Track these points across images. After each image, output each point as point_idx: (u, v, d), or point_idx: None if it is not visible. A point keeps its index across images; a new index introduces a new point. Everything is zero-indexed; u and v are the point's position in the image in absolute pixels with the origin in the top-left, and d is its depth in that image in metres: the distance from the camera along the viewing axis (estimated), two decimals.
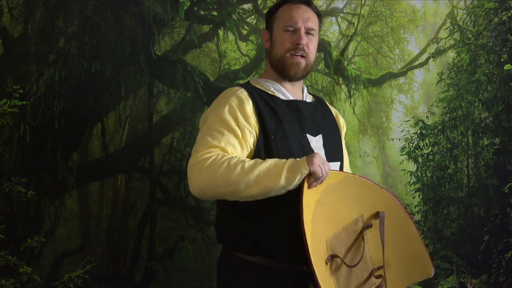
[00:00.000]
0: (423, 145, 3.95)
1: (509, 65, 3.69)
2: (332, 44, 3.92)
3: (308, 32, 1.84)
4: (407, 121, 3.99)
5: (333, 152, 1.88)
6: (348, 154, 2.12)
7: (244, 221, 1.73)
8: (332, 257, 1.65)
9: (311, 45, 1.84)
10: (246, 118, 1.72)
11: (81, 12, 3.48)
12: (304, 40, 1.81)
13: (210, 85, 3.67)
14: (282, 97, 1.83)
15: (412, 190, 3.93)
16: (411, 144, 3.96)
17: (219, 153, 1.65)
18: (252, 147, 1.73)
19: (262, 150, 1.73)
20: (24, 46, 3.45)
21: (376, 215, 1.69)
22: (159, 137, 3.64)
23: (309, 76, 4.06)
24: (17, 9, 3.50)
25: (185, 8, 3.63)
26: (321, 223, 1.60)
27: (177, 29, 3.68)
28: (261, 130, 1.73)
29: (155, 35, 3.57)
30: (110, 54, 3.47)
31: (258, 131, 1.73)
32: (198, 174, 1.64)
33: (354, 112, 3.97)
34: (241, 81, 3.27)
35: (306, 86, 2.01)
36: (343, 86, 3.89)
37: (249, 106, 1.74)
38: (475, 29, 3.90)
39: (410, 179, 3.94)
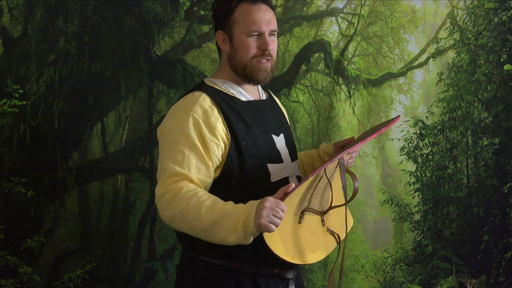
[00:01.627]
0: (423, 145, 3.95)
1: (509, 65, 3.69)
2: (332, 44, 3.92)
3: (271, 34, 1.75)
4: (406, 121, 3.99)
5: (294, 150, 1.85)
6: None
7: None
8: (302, 213, 1.67)
9: (274, 47, 1.76)
10: (212, 131, 1.65)
11: (81, 12, 3.48)
12: (270, 44, 1.73)
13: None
14: (243, 99, 1.77)
15: (412, 190, 3.93)
16: (410, 144, 3.96)
17: (181, 187, 1.59)
18: (220, 160, 1.67)
19: (234, 157, 1.67)
20: (24, 46, 3.45)
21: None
22: None
23: (309, 76, 4.08)
24: (17, 9, 3.50)
25: (185, 8, 3.63)
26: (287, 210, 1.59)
27: (177, 29, 3.69)
28: (232, 138, 1.67)
29: (155, 35, 3.58)
30: (110, 54, 3.47)
31: (229, 139, 1.67)
32: (163, 208, 1.61)
33: (354, 112, 3.97)
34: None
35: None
36: (343, 86, 3.90)
37: (214, 116, 1.67)
38: (475, 29, 3.91)
39: (410, 179, 3.94)
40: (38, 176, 3.40)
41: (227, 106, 1.71)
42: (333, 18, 4.00)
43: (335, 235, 1.79)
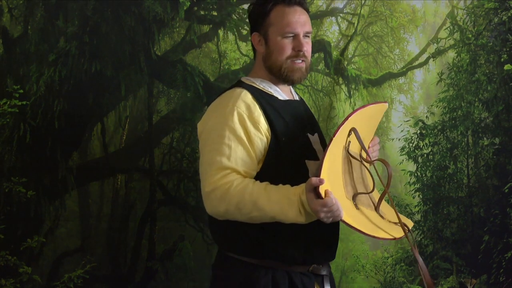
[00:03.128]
0: (423, 145, 3.95)
1: (509, 65, 3.69)
2: (332, 44, 3.92)
3: (305, 35, 1.80)
4: (407, 121, 3.99)
5: None
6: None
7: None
8: (354, 199, 1.69)
9: (309, 48, 1.81)
10: (255, 125, 1.70)
11: (81, 12, 3.48)
12: (305, 46, 1.78)
13: (210, 85, 3.67)
14: (280, 97, 1.82)
15: (412, 190, 3.93)
16: (411, 144, 3.96)
17: (232, 181, 1.63)
18: (262, 153, 1.71)
19: (274, 152, 1.71)
20: (24, 46, 3.46)
21: (349, 133, 1.70)
22: (159, 137, 3.64)
23: (309, 76, 4.08)
24: (17, 9, 3.50)
25: (185, 8, 3.63)
26: (338, 195, 1.60)
27: (177, 29, 3.69)
28: (272, 134, 1.71)
29: (155, 35, 3.58)
30: (110, 54, 3.48)
31: (270, 134, 1.71)
32: (214, 204, 1.64)
33: None
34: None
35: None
36: (343, 86, 3.90)
37: (257, 111, 1.71)
38: (475, 29, 3.91)
39: (410, 179, 3.94)
40: (38, 176, 3.40)
41: (267, 103, 1.75)
42: (333, 18, 4.00)
43: (398, 224, 1.76)
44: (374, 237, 1.63)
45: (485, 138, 3.84)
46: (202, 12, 3.73)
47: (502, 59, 3.76)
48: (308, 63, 1.82)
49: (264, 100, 1.76)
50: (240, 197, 1.60)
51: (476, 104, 3.87)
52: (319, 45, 3.88)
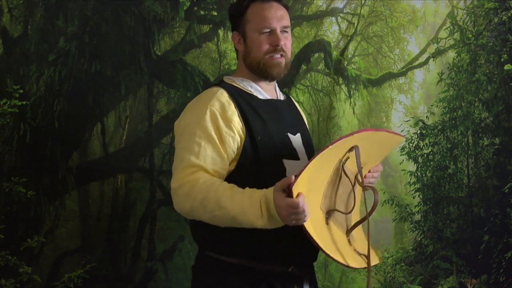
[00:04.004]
0: (423, 145, 3.95)
1: (509, 65, 3.69)
2: (332, 44, 3.92)
3: (283, 30, 1.79)
4: (407, 121, 3.99)
5: (311, 150, 1.87)
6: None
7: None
8: (329, 214, 1.65)
9: (287, 43, 1.80)
10: (228, 124, 1.69)
11: (81, 12, 3.48)
12: (282, 40, 1.77)
13: (210, 85, 3.66)
14: (260, 96, 1.81)
15: (412, 190, 3.93)
16: (411, 144, 3.96)
17: (198, 178, 1.62)
18: (235, 153, 1.70)
19: (249, 151, 1.70)
20: (24, 46, 3.45)
21: (351, 149, 1.65)
22: (159, 137, 3.64)
23: (308, 76, 4.08)
24: (17, 9, 3.50)
25: (185, 8, 3.63)
26: (312, 202, 1.57)
27: (177, 29, 3.69)
28: (248, 132, 1.70)
29: (155, 35, 3.58)
30: (110, 54, 3.48)
31: (244, 133, 1.70)
32: (180, 201, 1.64)
33: (354, 112, 3.97)
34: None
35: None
36: (343, 86, 3.89)
37: (231, 110, 1.71)
38: (475, 29, 3.91)
39: (410, 179, 3.94)
40: (38, 176, 3.40)
41: (244, 102, 1.75)
42: (333, 18, 4.00)
43: (362, 256, 1.74)
44: (327, 255, 1.59)
45: (485, 138, 3.84)
46: (202, 12, 3.73)
47: (502, 59, 3.76)
48: (289, 58, 1.81)
49: (242, 99, 1.75)
50: (205, 194, 1.59)
51: (476, 104, 3.87)
52: (319, 45, 3.88)
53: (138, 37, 3.53)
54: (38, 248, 3.40)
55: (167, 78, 3.61)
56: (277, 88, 1.92)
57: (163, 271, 3.53)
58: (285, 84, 3.74)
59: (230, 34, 3.87)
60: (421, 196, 3.92)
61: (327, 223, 1.65)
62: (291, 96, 2.03)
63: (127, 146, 3.61)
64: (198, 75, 3.64)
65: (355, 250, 1.73)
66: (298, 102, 2.07)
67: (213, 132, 1.68)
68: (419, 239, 3.89)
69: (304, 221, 1.49)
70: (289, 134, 1.80)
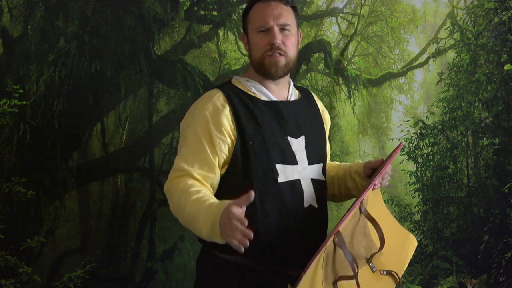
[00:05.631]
0: (423, 145, 3.95)
1: (509, 65, 3.69)
2: (332, 44, 3.92)
3: (282, 28, 1.78)
4: (407, 121, 3.99)
5: (315, 154, 1.84)
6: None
7: None
8: (335, 283, 1.62)
9: (287, 42, 1.78)
10: (218, 128, 1.70)
11: (81, 12, 3.48)
12: (278, 38, 1.76)
13: (210, 85, 3.67)
14: (263, 98, 1.80)
15: (412, 190, 3.93)
16: (411, 144, 3.96)
17: (179, 183, 1.69)
18: (227, 155, 1.72)
19: (239, 155, 1.71)
20: (24, 46, 3.45)
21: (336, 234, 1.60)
22: (159, 137, 3.64)
23: (308, 76, 4.07)
24: (17, 9, 3.50)
25: (185, 8, 3.63)
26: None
27: (177, 29, 3.69)
28: (239, 136, 1.71)
29: (155, 35, 3.58)
30: (110, 54, 3.48)
31: (236, 137, 1.71)
32: (169, 202, 1.77)
33: (354, 112, 3.97)
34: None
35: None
36: (343, 86, 3.89)
37: (224, 114, 1.72)
38: (475, 29, 3.91)
39: (410, 179, 3.94)
40: (38, 176, 3.40)
41: (242, 105, 1.75)
42: (333, 18, 4.00)
43: (393, 273, 1.72)
44: None
45: (485, 138, 3.84)
46: (202, 12, 3.72)
47: (502, 59, 3.76)
48: (290, 56, 1.80)
49: (240, 102, 1.75)
50: (178, 198, 1.67)
51: (476, 104, 3.87)
52: (319, 45, 3.88)
53: (138, 37, 3.53)
54: (38, 248, 3.40)
55: (167, 78, 3.61)
56: (291, 87, 1.90)
57: (163, 271, 3.53)
58: None
59: (230, 34, 3.88)
60: (421, 196, 3.92)
61: None
62: (314, 96, 2.00)
63: (127, 146, 3.61)
64: (198, 75, 3.64)
65: (381, 271, 1.70)
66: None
67: (203, 137, 1.71)
68: (419, 239, 3.89)
69: (239, 238, 1.45)
70: (289, 138, 1.78)
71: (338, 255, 1.63)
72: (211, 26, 3.75)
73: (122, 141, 3.61)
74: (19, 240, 3.36)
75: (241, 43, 3.82)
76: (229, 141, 1.71)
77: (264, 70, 1.79)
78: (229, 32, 3.75)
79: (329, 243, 1.59)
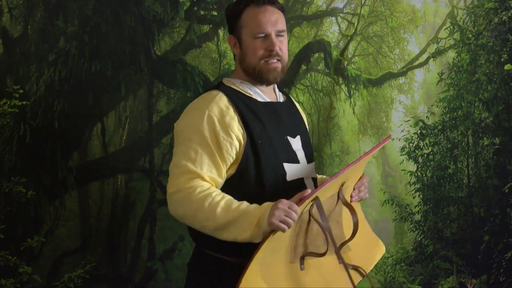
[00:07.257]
0: (423, 145, 3.95)
1: (509, 65, 3.69)
2: (332, 44, 3.92)
3: (278, 34, 1.76)
4: (407, 121, 3.99)
5: (310, 153, 1.86)
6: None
7: None
8: (303, 258, 1.64)
9: (283, 47, 1.77)
10: (226, 130, 1.68)
11: (81, 12, 3.48)
12: (277, 45, 1.75)
13: (210, 85, 3.67)
14: (259, 99, 1.79)
15: (412, 190, 3.93)
16: (411, 144, 3.96)
17: (195, 186, 1.64)
18: (234, 157, 1.69)
19: (250, 155, 1.69)
20: (24, 46, 3.46)
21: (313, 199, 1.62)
22: (159, 137, 3.64)
23: (308, 76, 4.07)
24: (17, 9, 3.51)
25: (185, 8, 3.63)
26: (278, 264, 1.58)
27: (177, 29, 3.69)
28: (248, 137, 1.69)
29: (155, 35, 3.58)
30: (110, 54, 3.48)
31: (245, 138, 1.69)
32: (175, 205, 1.70)
33: (354, 112, 3.98)
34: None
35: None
36: (343, 86, 3.90)
37: (229, 115, 1.69)
38: (475, 29, 3.91)
39: (410, 179, 3.94)
40: (38, 176, 3.40)
41: (244, 105, 1.74)
42: (333, 18, 4.00)
43: (359, 269, 1.72)
44: None
45: (485, 138, 3.84)
46: (202, 12, 3.73)
47: (502, 59, 3.76)
48: (285, 61, 1.79)
49: (242, 103, 1.74)
50: (200, 204, 1.61)
51: (476, 104, 3.87)
52: (319, 45, 3.88)
53: (138, 37, 3.53)
54: (38, 248, 3.40)
55: (167, 78, 3.61)
56: (277, 90, 1.90)
57: (163, 271, 3.53)
58: (285, 84, 3.74)
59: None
60: (421, 196, 3.92)
61: (302, 269, 1.63)
62: (291, 97, 2.03)
63: (127, 146, 3.61)
64: (198, 75, 3.64)
65: (347, 265, 1.68)
66: (298, 102, 2.04)
67: (210, 139, 1.67)
68: (419, 239, 3.89)
69: (288, 226, 1.50)
70: (288, 137, 1.79)
71: (312, 228, 1.64)
72: (211, 26, 3.75)
73: (122, 141, 3.61)
74: (19, 240, 3.36)
75: None
76: (236, 143, 1.69)
77: (261, 76, 1.77)
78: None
79: (305, 210, 1.60)
